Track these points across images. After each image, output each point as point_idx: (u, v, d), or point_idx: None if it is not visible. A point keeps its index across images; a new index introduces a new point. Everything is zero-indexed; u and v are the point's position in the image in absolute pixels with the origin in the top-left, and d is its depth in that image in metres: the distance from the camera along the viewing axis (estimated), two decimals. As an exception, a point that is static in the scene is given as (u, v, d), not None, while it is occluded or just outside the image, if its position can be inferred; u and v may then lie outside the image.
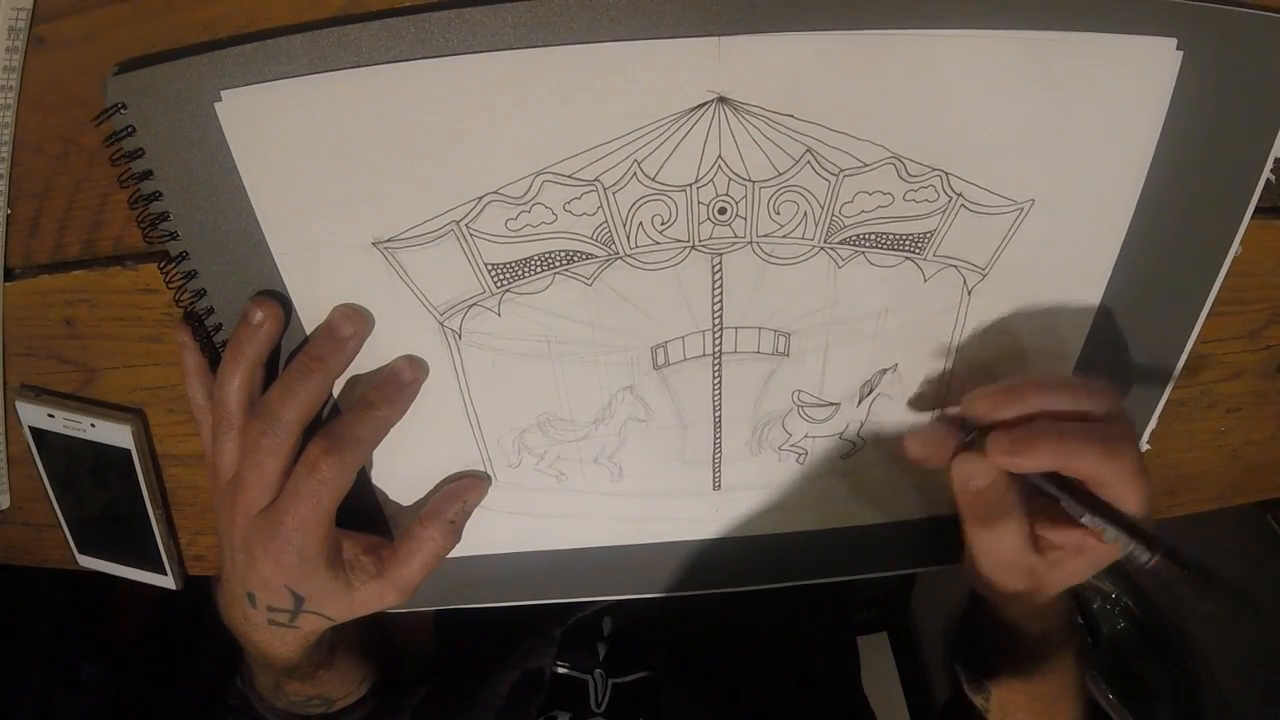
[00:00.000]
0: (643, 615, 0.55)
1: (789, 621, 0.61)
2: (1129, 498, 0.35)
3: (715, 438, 0.43)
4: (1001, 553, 0.38)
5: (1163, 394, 0.44)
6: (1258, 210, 0.38)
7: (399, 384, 0.38)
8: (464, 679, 0.57)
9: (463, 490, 0.42)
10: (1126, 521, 0.35)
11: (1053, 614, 0.44)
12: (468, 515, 0.42)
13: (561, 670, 0.54)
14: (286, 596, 0.38)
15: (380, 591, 0.39)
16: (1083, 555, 0.38)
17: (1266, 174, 0.37)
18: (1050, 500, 0.36)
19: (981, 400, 0.36)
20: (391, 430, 0.38)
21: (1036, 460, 0.34)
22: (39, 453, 0.45)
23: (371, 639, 0.53)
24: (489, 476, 0.43)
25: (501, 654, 0.56)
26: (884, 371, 0.41)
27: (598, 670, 0.54)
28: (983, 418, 0.36)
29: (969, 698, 0.50)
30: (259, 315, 0.35)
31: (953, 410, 0.41)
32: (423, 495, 0.43)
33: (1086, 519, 0.35)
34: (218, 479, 0.38)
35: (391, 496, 0.43)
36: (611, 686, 0.53)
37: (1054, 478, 0.36)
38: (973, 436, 0.36)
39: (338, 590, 0.38)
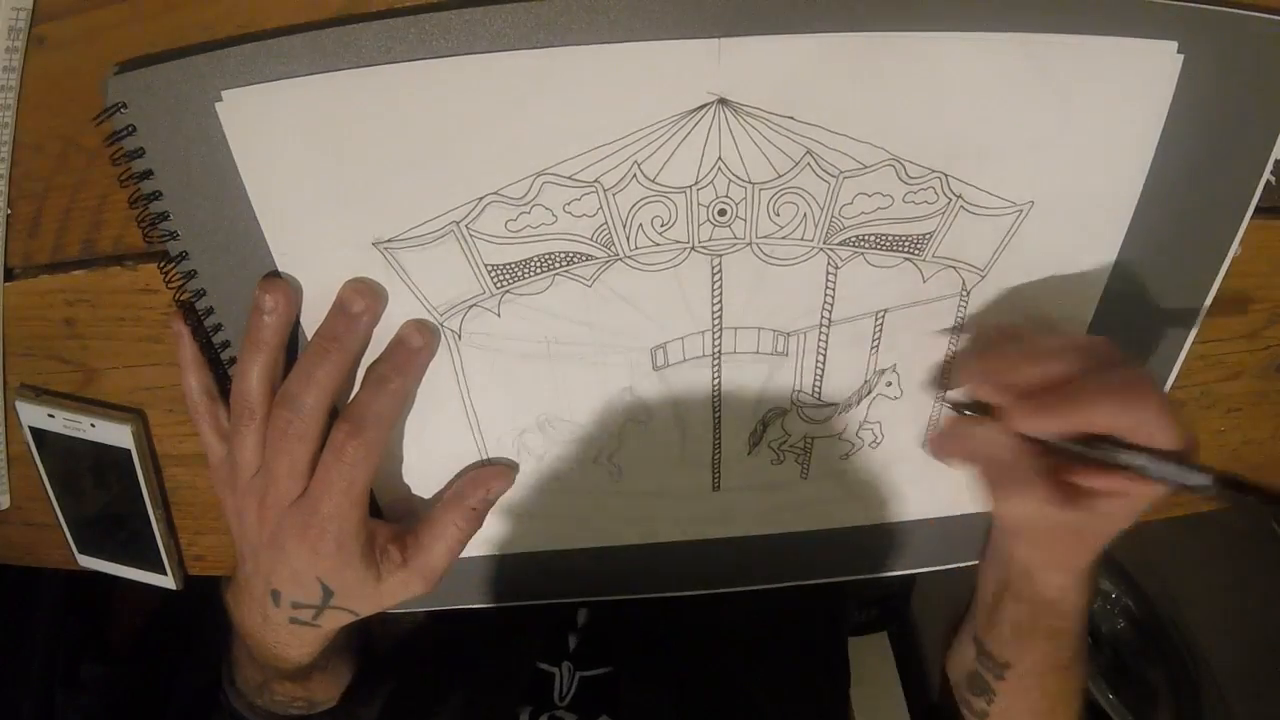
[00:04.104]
0: (617, 609, 0.54)
1: (776, 627, 0.60)
2: (1162, 436, 0.33)
3: (715, 439, 0.43)
4: (1039, 517, 0.36)
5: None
6: (1258, 210, 0.38)
7: (409, 351, 0.37)
8: (428, 686, 0.55)
9: (486, 478, 0.41)
10: (1173, 456, 0.33)
11: (1088, 584, 0.42)
12: (490, 504, 0.42)
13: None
14: (316, 590, 0.38)
15: (407, 581, 0.39)
16: (1128, 497, 0.36)
17: (1266, 175, 0.37)
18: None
19: (991, 370, 0.36)
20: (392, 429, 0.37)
21: (1062, 423, 0.33)
22: (39, 453, 0.45)
23: (359, 641, 0.53)
24: (515, 467, 0.42)
25: (476, 656, 0.55)
26: (882, 372, 0.41)
27: (565, 662, 0.53)
28: (995, 390, 0.36)
29: (964, 703, 0.49)
30: (269, 301, 0.35)
31: (954, 393, 0.41)
32: (422, 496, 0.43)
33: (1126, 459, 0.33)
34: (238, 474, 0.37)
35: (391, 498, 0.43)
36: (578, 679, 0.53)
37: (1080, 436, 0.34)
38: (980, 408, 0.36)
39: (368, 582, 0.38)
